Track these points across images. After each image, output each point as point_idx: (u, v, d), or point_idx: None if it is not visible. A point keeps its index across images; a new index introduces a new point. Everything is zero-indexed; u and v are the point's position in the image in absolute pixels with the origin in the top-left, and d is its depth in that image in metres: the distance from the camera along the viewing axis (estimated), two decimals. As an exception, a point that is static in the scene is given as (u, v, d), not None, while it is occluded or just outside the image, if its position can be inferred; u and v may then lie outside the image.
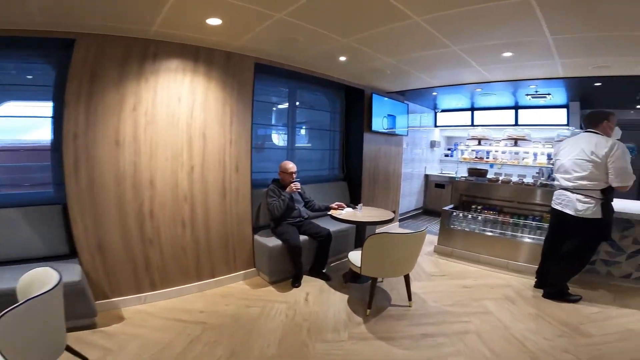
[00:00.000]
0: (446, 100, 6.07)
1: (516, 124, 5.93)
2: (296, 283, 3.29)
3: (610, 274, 3.40)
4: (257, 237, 3.50)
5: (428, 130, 6.92)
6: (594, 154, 2.72)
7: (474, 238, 4.15)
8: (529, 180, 4.19)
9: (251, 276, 3.50)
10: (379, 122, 4.89)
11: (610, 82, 3.68)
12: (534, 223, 3.84)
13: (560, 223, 3.01)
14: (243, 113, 3.35)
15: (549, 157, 3.92)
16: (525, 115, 5.81)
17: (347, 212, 3.53)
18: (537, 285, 3.29)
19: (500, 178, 4.30)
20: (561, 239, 3.05)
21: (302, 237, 3.42)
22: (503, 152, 5.27)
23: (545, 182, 3.93)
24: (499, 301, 3.01)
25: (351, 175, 4.88)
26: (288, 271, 3.38)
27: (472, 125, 6.42)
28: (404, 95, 5.53)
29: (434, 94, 5.31)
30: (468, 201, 4.53)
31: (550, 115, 5.59)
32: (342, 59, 3.47)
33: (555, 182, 3.10)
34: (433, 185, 6.75)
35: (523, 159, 4.00)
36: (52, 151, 2.70)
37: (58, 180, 2.67)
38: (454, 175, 4.61)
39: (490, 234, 4.09)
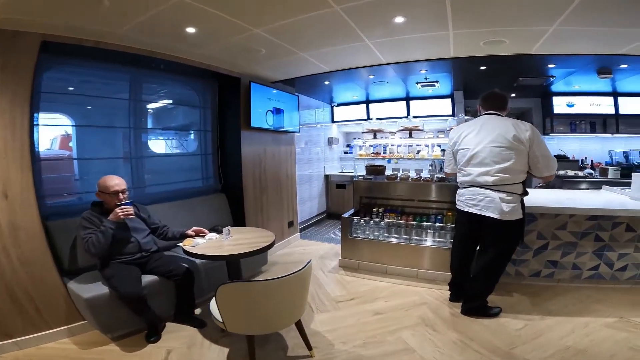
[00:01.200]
0: (341, 91, 5.53)
1: (408, 115, 5.77)
2: (152, 337, 2.33)
3: (519, 274, 3.15)
4: (72, 284, 2.35)
5: (325, 127, 6.33)
6: (517, 139, 2.24)
7: (379, 247, 3.57)
8: (426, 174, 3.83)
9: (83, 331, 2.45)
10: (261, 118, 3.96)
11: (495, 64, 3.49)
12: (438, 224, 3.44)
13: (475, 229, 2.50)
14: (10, 111, 2.06)
15: (440, 146, 3.68)
16: (416, 107, 5.69)
17: (208, 241, 2.51)
18: (453, 298, 2.84)
19: (399, 174, 3.85)
20: (474, 246, 2.60)
21: (151, 278, 2.44)
22: (399, 146, 4.97)
23: (441, 176, 3.59)
24: (417, 330, 2.44)
25: (230, 184, 3.84)
26: (139, 321, 2.33)
27: (368, 119, 6.05)
28: (294, 86, 4.74)
29: (327, 82, 4.65)
30: (369, 203, 3.96)
31: (437, 106, 5.55)
32: (191, 30, 2.47)
33: (462, 178, 2.52)
34: (334, 186, 6.19)
35: (418, 152, 3.56)
36: None
37: None
38: (354, 174, 3.99)
39: (395, 240, 3.56)
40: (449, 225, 3.36)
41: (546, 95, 5.27)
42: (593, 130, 5.16)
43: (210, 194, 3.73)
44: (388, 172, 3.96)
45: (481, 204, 2.35)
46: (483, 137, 2.35)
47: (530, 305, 2.74)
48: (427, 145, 3.75)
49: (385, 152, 3.94)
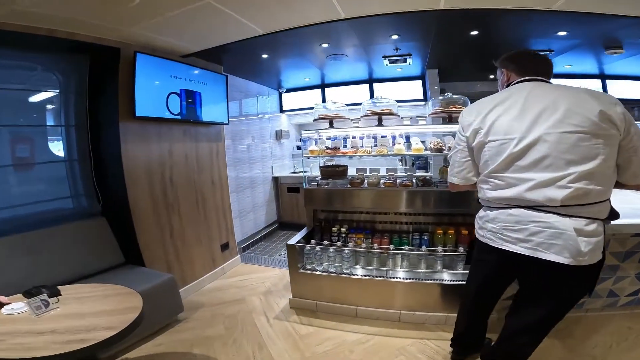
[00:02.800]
0: (290, 72, 4.36)
1: (373, 97, 4.77)
2: None
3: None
4: None
5: (272, 118, 5.13)
6: (607, 119, 1.19)
7: (344, 283, 2.50)
8: (402, 175, 2.82)
9: None
10: (157, 103, 2.64)
11: (491, 28, 2.54)
12: (424, 249, 2.42)
13: (512, 272, 1.50)
14: None
15: (405, 137, 2.67)
16: (381, 91, 4.69)
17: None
18: (457, 356, 1.88)
19: (365, 177, 2.79)
20: (501, 292, 1.62)
21: None
22: (362, 137, 3.98)
23: (425, 177, 2.60)
24: None
25: (114, 203, 2.51)
26: None
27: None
28: (221, 64, 3.48)
29: (265, 56, 3.44)
30: (327, 219, 2.87)
31: (406, 90, 4.62)
32: None
33: (493, 193, 1.39)
34: (286, 190, 5.02)
35: (393, 146, 2.51)
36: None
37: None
38: (304, 176, 2.86)
39: (365, 272, 2.50)
40: (440, 249, 2.37)
41: (527, 77, 4.52)
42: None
43: (83, 220, 2.40)
44: (351, 173, 2.90)
45: (536, 239, 1.26)
46: (538, 117, 1.27)
47: (566, 352, 1.90)
48: (399, 136, 2.74)
49: (346, 147, 2.86)
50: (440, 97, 2.70)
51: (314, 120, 2.96)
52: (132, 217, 2.41)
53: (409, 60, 3.57)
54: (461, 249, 2.36)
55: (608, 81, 4.34)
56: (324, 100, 4.98)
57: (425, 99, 4.50)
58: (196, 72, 2.99)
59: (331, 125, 2.91)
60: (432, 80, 4.18)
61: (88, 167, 2.45)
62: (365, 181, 2.75)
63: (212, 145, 3.30)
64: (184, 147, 2.93)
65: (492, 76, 4.43)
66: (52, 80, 2.38)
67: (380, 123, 2.72)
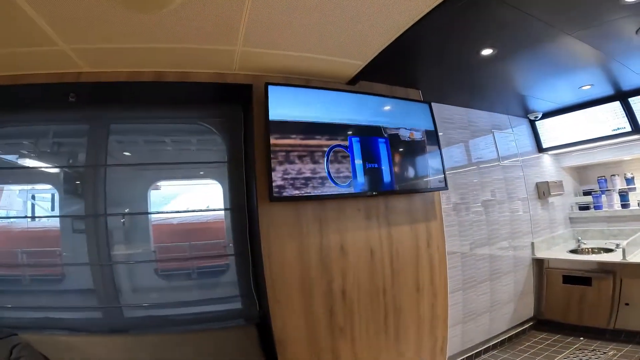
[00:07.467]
0: (548, 79, 2.53)
1: None
2: None
3: None
4: None
5: (527, 162, 3.31)
6: None
7: None
8: None
9: None
10: (312, 168, 1.77)
11: None
12: None
13: None
14: None
15: None
16: None
17: None
18: None
19: None
20: None
21: None
22: None
23: None
24: None
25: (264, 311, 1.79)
26: None
27: (635, 129, 2.66)
28: (416, 87, 2.33)
29: (487, 53, 2.00)
30: None
31: None
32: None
33: None
34: (560, 279, 2.89)
35: None
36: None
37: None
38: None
39: None
40: None
41: None
42: None
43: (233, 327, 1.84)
44: None
45: None
46: None
47: None
48: None
49: None
50: None
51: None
52: (274, 347, 1.61)
53: None
54: None
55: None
56: (630, 116, 2.71)
57: None
58: (376, 104, 1.94)
59: None
60: None
61: (247, 262, 1.93)
62: None
63: (417, 228, 2.08)
64: (365, 238, 1.91)
65: None
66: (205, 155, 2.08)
67: None
